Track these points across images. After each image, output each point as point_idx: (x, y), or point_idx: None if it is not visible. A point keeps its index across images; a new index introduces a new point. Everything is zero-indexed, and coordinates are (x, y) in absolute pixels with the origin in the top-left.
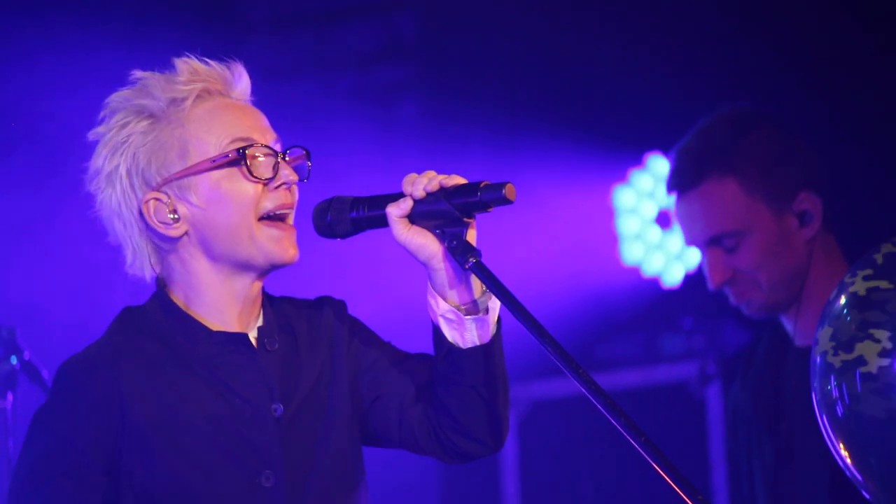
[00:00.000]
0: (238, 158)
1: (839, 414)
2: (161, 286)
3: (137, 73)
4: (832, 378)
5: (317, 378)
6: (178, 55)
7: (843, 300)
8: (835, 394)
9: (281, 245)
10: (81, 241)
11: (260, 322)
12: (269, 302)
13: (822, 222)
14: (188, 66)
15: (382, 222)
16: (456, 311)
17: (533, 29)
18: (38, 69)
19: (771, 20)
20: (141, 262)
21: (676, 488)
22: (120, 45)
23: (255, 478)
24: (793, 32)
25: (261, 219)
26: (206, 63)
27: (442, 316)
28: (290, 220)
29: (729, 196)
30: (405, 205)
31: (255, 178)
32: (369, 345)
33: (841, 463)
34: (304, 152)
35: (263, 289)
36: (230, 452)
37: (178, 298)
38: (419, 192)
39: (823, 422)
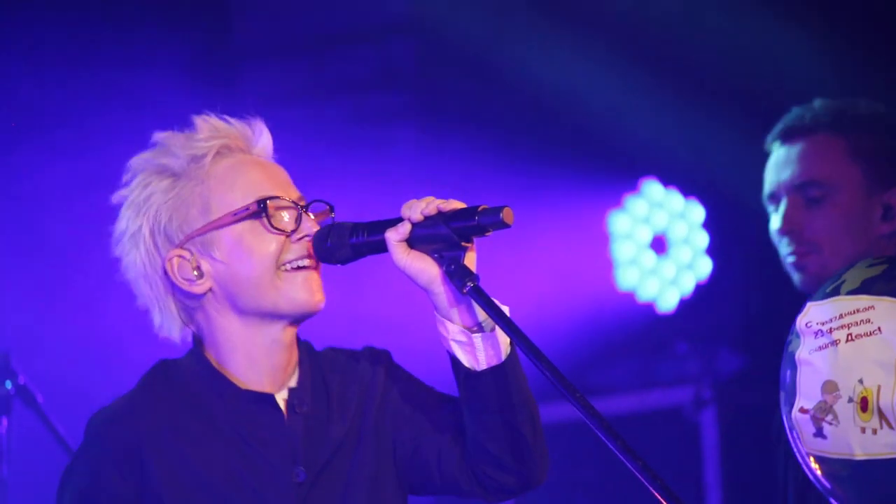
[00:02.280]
0: (259, 211)
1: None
2: (197, 342)
3: (158, 135)
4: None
5: (342, 441)
6: (175, 82)
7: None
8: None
9: (306, 289)
10: (78, 266)
11: (294, 380)
12: (308, 356)
13: None
14: (207, 124)
15: (382, 247)
16: (465, 331)
17: (528, 55)
18: (20, 101)
19: (765, 44)
20: (169, 323)
21: None
22: (116, 71)
23: None
24: (784, 55)
25: (280, 267)
26: (226, 120)
27: (453, 340)
28: (313, 266)
29: (835, 151)
30: (403, 229)
31: (277, 230)
32: (406, 397)
33: (812, 476)
34: (328, 207)
35: (303, 342)
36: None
37: (210, 356)
38: (417, 217)
39: (793, 437)
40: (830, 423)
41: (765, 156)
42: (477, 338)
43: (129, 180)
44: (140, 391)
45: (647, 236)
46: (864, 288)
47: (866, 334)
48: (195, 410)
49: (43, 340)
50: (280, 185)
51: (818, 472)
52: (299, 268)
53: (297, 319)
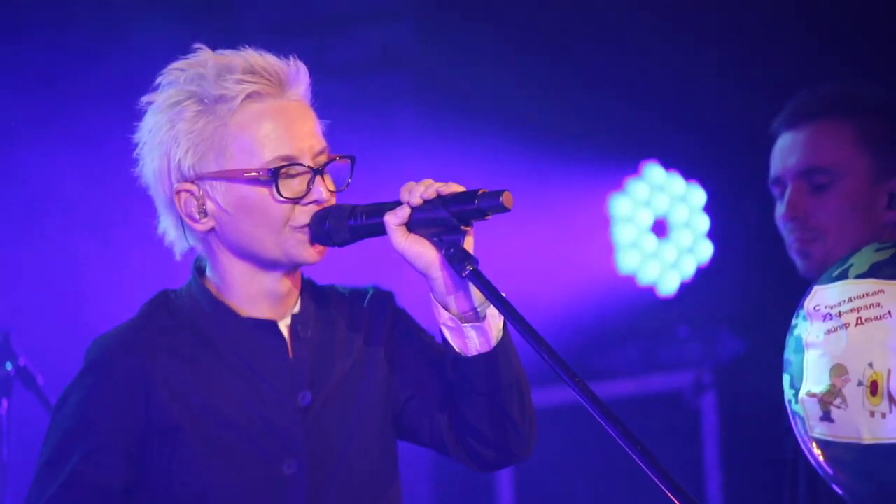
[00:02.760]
0: (270, 179)
1: (791, 417)
2: (196, 271)
3: (200, 52)
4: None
5: (350, 369)
6: (174, 59)
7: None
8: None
9: (306, 250)
10: (78, 247)
11: (296, 309)
12: (312, 289)
13: None
14: (243, 63)
15: (380, 230)
16: (455, 319)
17: (529, 38)
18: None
19: (766, 31)
20: (170, 237)
21: (671, 496)
22: (112, 52)
23: (277, 465)
24: (787, 38)
25: (285, 227)
26: (265, 59)
27: (444, 325)
28: None
29: (840, 137)
30: (402, 213)
31: (285, 198)
32: (409, 340)
33: (814, 462)
34: (349, 160)
35: (306, 277)
36: (254, 438)
37: (210, 286)
38: (416, 200)
39: (795, 421)
40: (839, 407)
41: (766, 139)
42: (467, 327)
43: (161, 88)
44: (141, 319)
45: (648, 220)
46: (873, 272)
47: (876, 318)
48: (198, 338)
49: (43, 322)
50: (302, 141)
51: (820, 458)
52: (302, 228)
53: (295, 268)
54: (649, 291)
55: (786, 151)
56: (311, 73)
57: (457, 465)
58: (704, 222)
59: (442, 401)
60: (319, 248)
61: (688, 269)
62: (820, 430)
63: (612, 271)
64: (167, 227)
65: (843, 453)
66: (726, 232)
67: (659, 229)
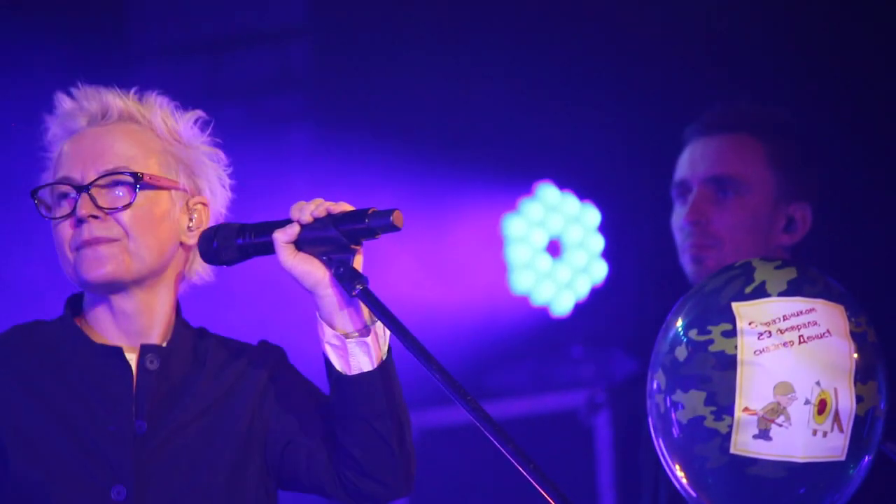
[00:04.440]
0: (37, 205)
1: (674, 435)
2: (69, 306)
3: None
4: (669, 407)
5: (204, 410)
6: (66, 82)
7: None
8: (671, 416)
9: (86, 266)
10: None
11: (155, 341)
12: (184, 328)
13: (802, 239)
14: (57, 113)
15: (269, 249)
16: (340, 336)
17: (423, 58)
18: None
19: (661, 52)
20: None
21: None
22: (4, 73)
23: (105, 490)
24: (683, 57)
25: (71, 249)
26: (74, 97)
27: (328, 343)
28: (91, 241)
29: (752, 152)
30: (292, 230)
31: (49, 217)
32: (288, 392)
33: (677, 484)
34: (131, 177)
35: (184, 319)
36: (85, 463)
37: (83, 318)
38: (306, 218)
39: (659, 444)
40: (780, 425)
41: (661, 159)
42: (351, 343)
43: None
44: None
45: (542, 240)
46: (795, 289)
47: (817, 336)
48: (50, 365)
49: None
50: (74, 166)
51: (683, 480)
52: (81, 247)
53: (100, 290)
54: (543, 311)
55: (696, 157)
56: (206, 93)
57: None
58: (599, 242)
59: (321, 441)
60: (100, 267)
61: (582, 289)
62: (750, 447)
63: (505, 291)
64: None
65: (771, 470)
66: (620, 252)
67: (553, 249)
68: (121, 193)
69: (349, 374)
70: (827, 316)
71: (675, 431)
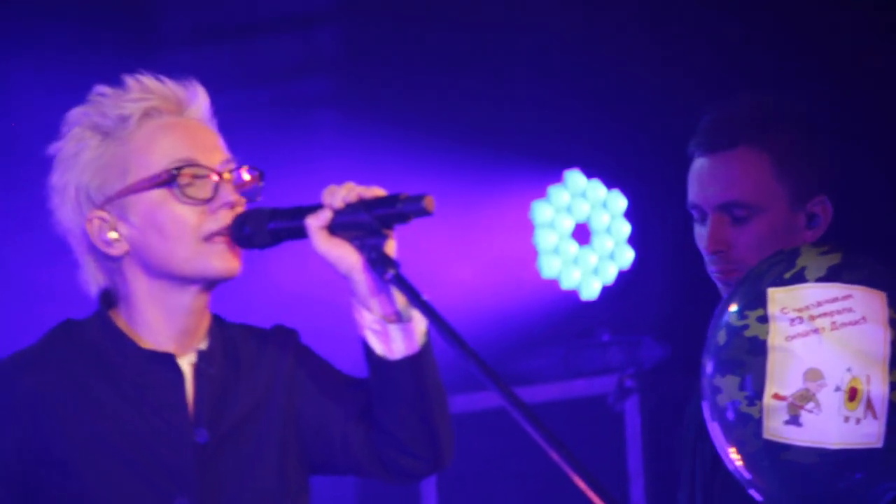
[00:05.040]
0: (171, 179)
1: (728, 418)
2: (104, 303)
3: (98, 89)
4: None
5: (250, 409)
6: (94, 70)
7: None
8: (716, 400)
9: (221, 261)
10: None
11: (204, 345)
12: (219, 326)
13: (827, 230)
14: (139, 84)
15: (301, 233)
16: (380, 320)
17: (452, 43)
18: None
19: (688, 37)
20: (89, 279)
21: (597, 500)
22: (30, 57)
23: (168, 502)
24: (704, 44)
25: (197, 237)
26: (160, 80)
27: (368, 328)
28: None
29: (759, 168)
30: (324, 216)
31: (191, 200)
32: (314, 375)
33: (731, 467)
34: (258, 173)
35: (213, 313)
36: (145, 474)
37: (119, 316)
38: (338, 203)
39: (714, 429)
40: (810, 412)
41: (687, 146)
42: (392, 328)
43: (65, 132)
44: (39, 347)
45: (569, 225)
46: (833, 275)
47: (851, 323)
48: (95, 369)
49: None
50: (204, 150)
51: (738, 462)
52: (216, 237)
53: (210, 285)
54: (572, 296)
55: (704, 180)
56: (234, 78)
57: (380, 484)
58: (626, 228)
59: (354, 422)
60: (235, 261)
61: (609, 275)
62: (781, 433)
63: (535, 276)
64: (86, 265)
65: (804, 457)
66: (647, 238)
67: (580, 235)
68: (250, 176)
69: (391, 358)
70: (865, 303)
71: (729, 415)
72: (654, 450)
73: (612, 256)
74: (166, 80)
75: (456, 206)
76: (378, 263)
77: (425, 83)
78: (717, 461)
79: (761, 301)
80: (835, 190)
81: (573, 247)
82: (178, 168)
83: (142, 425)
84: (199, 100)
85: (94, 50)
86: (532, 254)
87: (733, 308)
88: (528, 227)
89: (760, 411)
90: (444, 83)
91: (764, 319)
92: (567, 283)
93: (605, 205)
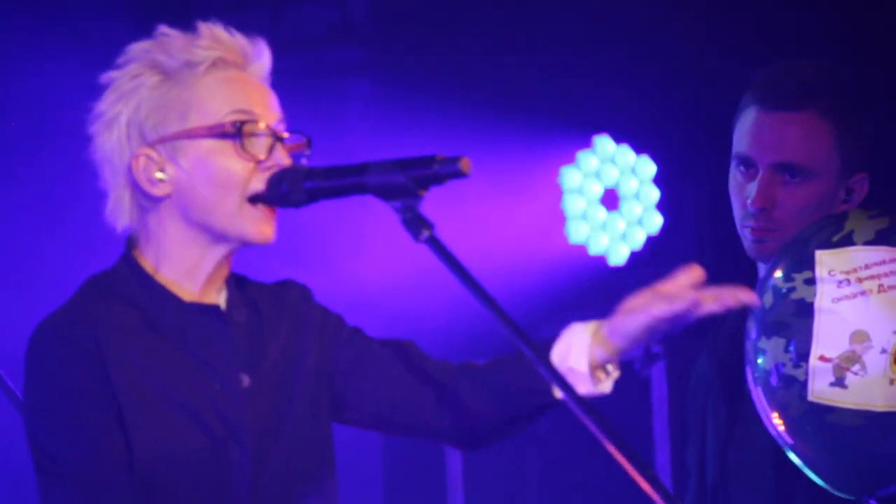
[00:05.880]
0: (234, 132)
1: (771, 382)
2: (130, 247)
3: (163, 28)
4: (759, 355)
5: (280, 353)
6: (128, 36)
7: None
8: (759, 363)
9: (259, 226)
10: (33, 236)
11: (223, 295)
12: (234, 280)
13: (859, 206)
14: (210, 32)
15: (337, 193)
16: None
17: (482, 11)
18: None
19: (718, 4)
20: (119, 213)
21: (626, 463)
22: (64, 28)
23: (222, 448)
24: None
25: (250, 199)
26: (231, 32)
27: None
28: None
29: (821, 134)
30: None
31: (248, 155)
32: (343, 324)
33: (773, 431)
34: (305, 140)
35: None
36: (201, 421)
37: (146, 261)
38: None
39: (758, 394)
40: (856, 374)
41: (717, 114)
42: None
43: (123, 64)
44: (80, 301)
45: (598, 191)
46: (882, 238)
47: None
48: (139, 318)
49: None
50: (265, 109)
51: (780, 427)
52: (259, 201)
53: (241, 245)
54: (600, 261)
55: (764, 136)
56: (267, 46)
57: (407, 473)
58: (655, 194)
59: (391, 374)
60: (271, 229)
61: (638, 240)
62: (827, 395)
63: (563, 242)
64: (119, 198)
65: (849, 419)
66: (676, 204)
67: (609, 200)
68: (301, 141)
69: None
70: None
71: (773, 378)
72: (681, 416)
73: (640, 222)
74: (236, 32)
75: (485, 171)
76: (413, 224)
77: (455, 50)
78: (731, 420)
79: (808, 264)
80: (874, 169)
81: (601, 212)
82: (242, 122)
83: (192, 373)
84: (263, 58)
85: (129, 16)
86: (560, 219)
87: (779, 272)
88: (556, 193)
89: (806, 373)
90: (473, 50)
91: (811, 282)
92: (595, 249)
93: (633, 170)
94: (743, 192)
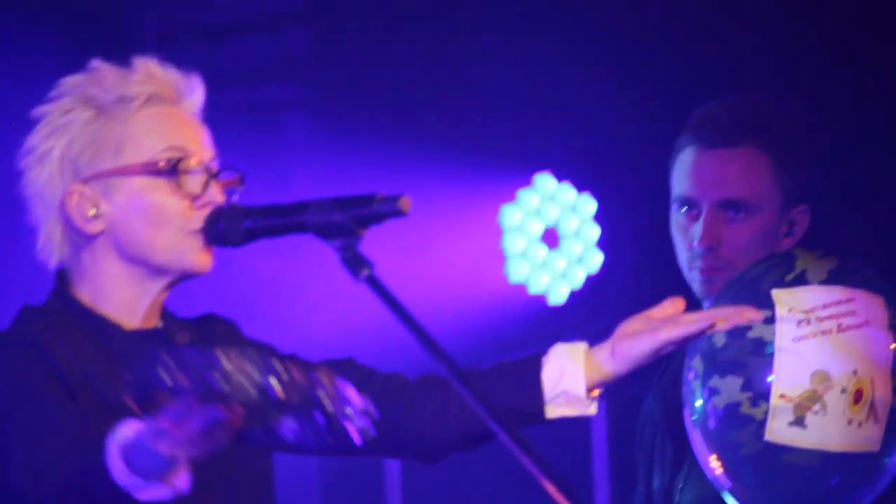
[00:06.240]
0: (168, 169)
1: (711, 424)
2: (61, 282)
3: (95, 62)
4: (706, 394)
5: None
6: (63, 69)
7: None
8: (707, 404)
9: (198, 256)
10: None
11: (161, 324)
12: (168, 314)
13: (801, 239)
14: (145, 67)
15: (275, 231)
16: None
17: (422, 46)
18: None
19: (658, 40)
20: (51, 248)
21: (561, 498)
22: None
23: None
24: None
25: (178, 230)
26: (165, 68)
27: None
28: None
29: (760, 168)
30: None
31: (182, 192)
32: (276, 352)
33: (710, 476)
34: (239, 176)
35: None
36: None
37: (82, 296)
38: None
39: (694, 434)
40: (816, 413)
41: (657, 150)
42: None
43: (54, 98)
44: (13, 333)
45: (538, 230)
46: (835, 278)
47: (855, 326)
48: (86, 340)
49: None
50: (198, 145)
51: (718, 471)
52: (197, 233)
53: (180, 279)
54: (540, 301)
55: (703, 175)
56: (203, 81)
57: (344, 481)
58: (595, 232)
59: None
60: (209, 258)
61: (578, 279)
62: (785, 435)
63: (502, 281)
64: (51, 234)
65: (805, 459)
66: (616, 241)
67: (549, 239)
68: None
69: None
70: (867, 306)
71: (711, 420)
72: (621, 456)
73: (580, 261)
74: (170, 68)
75: (425, 209)
76: (353, 263)
77: (395, 86)
78: (678, 460)
79: (765, 303)
80: (816, 200)
81: (542, 251)
82: (176, 159)
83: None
84: (196, 94)
85: (63, 51)
86: (500, 258)
87: None
88: (496, 231)
89: (765, 412)
90: (413, 86)
91: (769, 321)
92: (535, 288)
93: (574, 208)
94: (688, 234)
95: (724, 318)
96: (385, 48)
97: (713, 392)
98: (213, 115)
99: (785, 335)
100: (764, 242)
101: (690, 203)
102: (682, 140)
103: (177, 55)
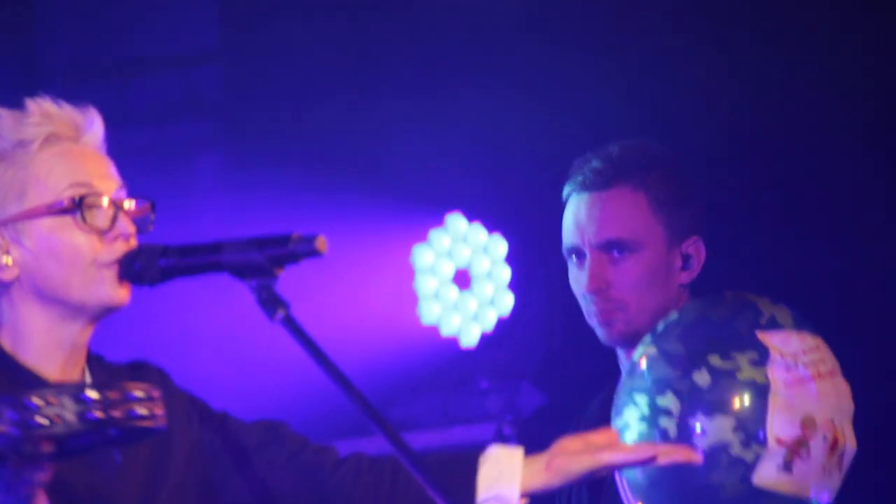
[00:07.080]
0: (73, 207)
1: (713, 460)
2: None
3: None
4: (681, 435)
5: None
6: None
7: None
8: (689, 441)
9: (114, 289)
10: None
11: (87, 375)
12: (93, 359)
13: (700, 272)
14: (39, 108)
15: (192, 271)
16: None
17: (334, 87)
18: None
19: (568, 81)
20: None
21: None
22: None
23: None
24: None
25: (91, 266)
26: (60, 105)
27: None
28: None
29: (637, 207)
30: None
31: (91, 228)
32: (209, 410)
33: None
34: (149, 204)
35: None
36: (75, 497)
37: (4, 343)
38: None
39: (622, 483)
40: (802, 459)
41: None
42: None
43: None
44: None
45: (450, 270)
46: (800, 324)
47: (829, 373)
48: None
49: None
50: (102, 178)
51: None
52: (110, 266)
53: (99, 315)
54: (452, 342)
55: (581, 220)
56: (113, 118)
57: None
58: (506, 273)
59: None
60: (125, 291)
61: (489, 321)
62: (772, 479)
63: (415, 321)
64: None
65: None
66: (528, 283)
67: (461, 280)
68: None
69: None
70: (828, 353)
71: (716, 457)
72: (533, 500)
73: (492, 302)
74: (65, 105)
75: (337, 248)
76: (269, 303)
77: (307, 125)
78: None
79: (750, 344)
80: (706, 233)
81: (453, 292)
82: (80, 196)
83: None
84: (95, 127)
85: None
86: (413, 299)
87: (694, 349)
88: (409, 272)
89: (756, 455)
90: (326, 125)
91: (758, 363)
92: (447, 330)
93: (485, 249)
94: (581, 282)
95: (665, 453)
96: (296, 86)
97: (693, 432)
98: (122, 155)
99: (777, 378)
100: (655, 279)
101: (576, 251)
102: (565, 191)
103: (84, 93)
